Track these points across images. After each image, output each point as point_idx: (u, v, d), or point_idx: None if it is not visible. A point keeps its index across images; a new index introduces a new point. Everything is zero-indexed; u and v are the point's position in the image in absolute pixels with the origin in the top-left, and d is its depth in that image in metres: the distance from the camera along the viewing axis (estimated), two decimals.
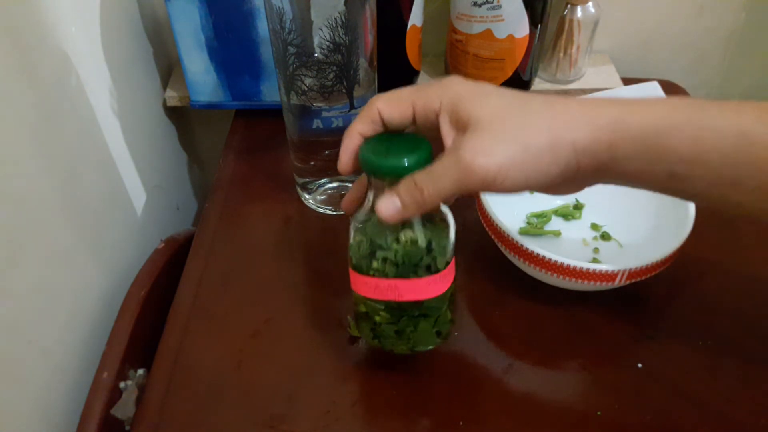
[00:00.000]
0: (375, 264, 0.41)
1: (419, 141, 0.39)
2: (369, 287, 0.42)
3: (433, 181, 0.36)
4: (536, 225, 0.57)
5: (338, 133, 0.49)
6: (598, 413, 0.45)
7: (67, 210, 0.51)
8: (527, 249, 0.47)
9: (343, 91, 0.51)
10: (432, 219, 0.41)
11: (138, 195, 0.66)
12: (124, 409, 0.50)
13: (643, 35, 0.76)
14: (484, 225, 0.51)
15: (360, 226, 0.42)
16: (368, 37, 0.49)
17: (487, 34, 0.64)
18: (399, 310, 0.43)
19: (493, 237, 0.50)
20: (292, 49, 0.48)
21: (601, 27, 0.70)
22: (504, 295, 0.53)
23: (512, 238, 0.47)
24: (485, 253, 0.54)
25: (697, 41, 0.77)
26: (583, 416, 0.45)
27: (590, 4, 0.67)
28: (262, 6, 0.60)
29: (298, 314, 0.51)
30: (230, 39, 0.63)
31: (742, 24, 0.76)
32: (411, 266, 0.41)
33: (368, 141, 0.40)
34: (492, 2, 0.62)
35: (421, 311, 0.43)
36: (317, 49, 0.48)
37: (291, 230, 0.59)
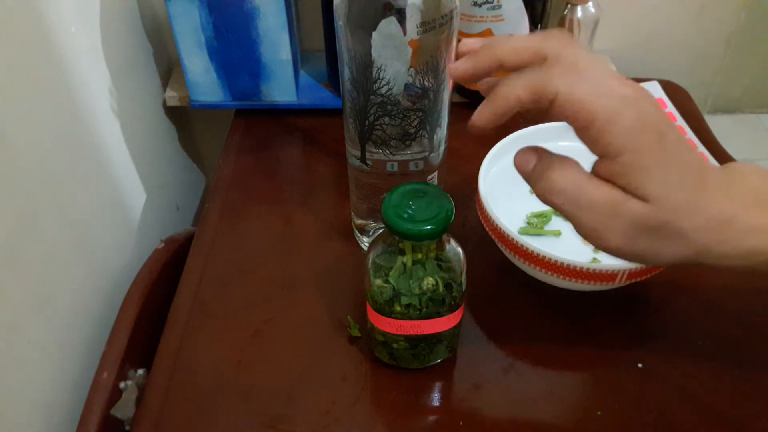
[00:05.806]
0: (398, 308, 0.42)
1: (443, 199, 0.40)
2: (392, 326, 0.43)
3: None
4: (536, 225, 0.57)
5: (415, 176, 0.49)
6: (598, 413, 0.45)
7: (66, 210, 0.51)
8: (527, 249, 0.47)
9: (426, 137, 0.47)
10: (448, 259, 0.42)
11: (138, 195, 0.66)
12: (124, 409, 0.50)
13: (643, 35, 0.76)
14: (484, 225, 0.51)
15: (379, 264, 0.42)
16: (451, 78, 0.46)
17: (487, 34, 0.64)
18: (417, 339, 0.44)
19: (493, 237, 0.50)
20: (375, 99, 0.44)
21: (601, 27, 0.70)
22: (504, 295, 0.53)
23: (512, 238, 0.47)
24: (485, 253, 0.54)
25: (697, 41, 0.77)
26: (583, 416, 0.45)
27: (590, 4, 0.67)
28: (262, 6, 0.60)
29: (298, 314, 0.51)
30: (230, 39, 0.63)
31: (742, 24, 0.76)
32: (434, 310, 0.42)
33: (392, 194, 0.40)
34: (492, 2, 0.62)
35: (437, 338, 0.45)
36: (404, 97, 0.44)
37: (291, 230, 0.59)
